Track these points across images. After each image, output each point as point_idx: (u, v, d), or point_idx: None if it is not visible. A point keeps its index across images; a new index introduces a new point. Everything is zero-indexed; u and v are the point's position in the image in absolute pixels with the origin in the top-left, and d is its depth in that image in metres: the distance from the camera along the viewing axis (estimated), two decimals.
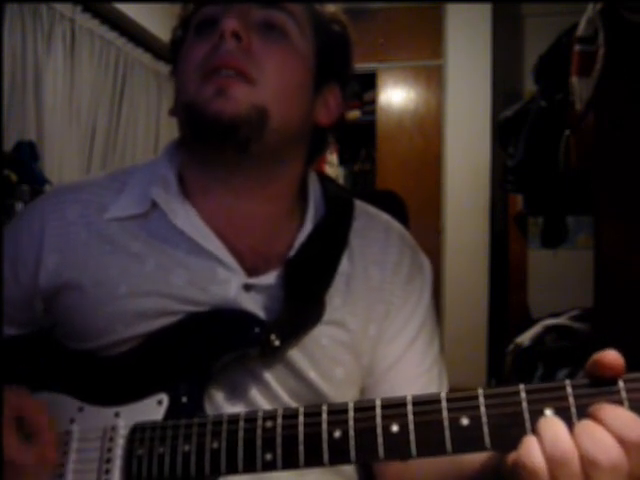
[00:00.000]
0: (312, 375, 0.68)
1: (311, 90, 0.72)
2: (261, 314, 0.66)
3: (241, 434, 0.54)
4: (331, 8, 0.75)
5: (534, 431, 0.45)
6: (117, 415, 0.62)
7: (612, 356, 0.45)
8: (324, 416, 0.52)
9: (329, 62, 0.74)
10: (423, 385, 0.73)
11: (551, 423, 0.44)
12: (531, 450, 0.43)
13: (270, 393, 0.68)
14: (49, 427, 0.60)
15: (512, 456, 0.45)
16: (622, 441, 0.42)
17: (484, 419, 0.47)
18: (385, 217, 0.82)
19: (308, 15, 0.72)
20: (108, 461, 0.60)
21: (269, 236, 0.72)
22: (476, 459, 0.59)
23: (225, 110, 0.64)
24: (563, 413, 0.46)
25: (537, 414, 0.46)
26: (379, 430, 0.50)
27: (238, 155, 0.67)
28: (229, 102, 0.64)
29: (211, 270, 0.68)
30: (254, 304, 0.67)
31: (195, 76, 0.66)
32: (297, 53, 0.69)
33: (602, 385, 0.46)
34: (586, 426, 0.43)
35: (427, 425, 0.49)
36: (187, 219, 0.69)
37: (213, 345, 0.64)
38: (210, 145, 0.68)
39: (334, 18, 0.75)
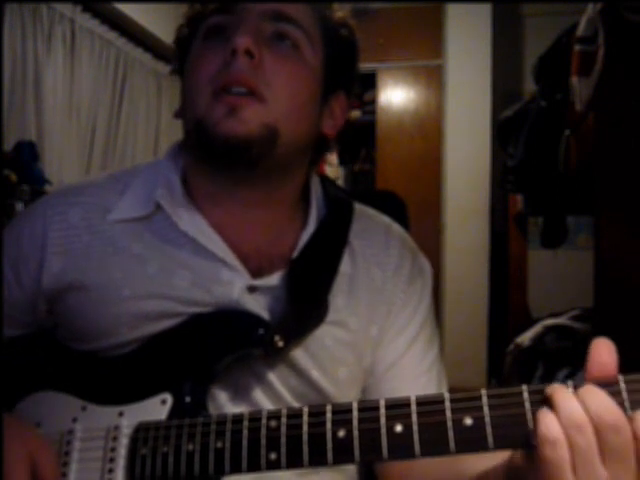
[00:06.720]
0: (315, 375, 0.68)
1: (319, 101, 0.72)
2: (265, 315, 0.66)
3: (245, 434, 0.55)
4: (339, 12, 0.74)
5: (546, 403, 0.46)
6: (121, 414, 0.63)
7: (606, 356, 0.47)
8: (328, 416, 0.52)
9: (337, 70, 0.74)
10: (423, 385, 0.73)
11: (564, 395, 0.46)
12: (549, 423, 0.45)
13: (273, 393, 0.68)
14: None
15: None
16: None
17: (487, 419, 0.48)
18: (385, 219, 0.82)
19: (317, 22, 0.71)
20: (111, 460, 0.60)
21: (273, 238, 0.72)
22: (477, 466, 0.60)
23: (236, 131, 0.63)
24: None
25: None
26: (383, 430, 0.50)
27: (247, 172, 0.68)
28: (240, 123, 0.63)
29: (215, 271, 0.68)
30: (258, 305, 0.67)
31: (206, 92, 0.65)
32: (307, 66, 0.69)
33: (603, 386, 0.46)
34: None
35: (431, 425, 0.49)
36: (191, 222, 0.69)
37: (217, 346, 0.64)
38: (220, 164, 0.68)
39: (342, 22, 0.74)
